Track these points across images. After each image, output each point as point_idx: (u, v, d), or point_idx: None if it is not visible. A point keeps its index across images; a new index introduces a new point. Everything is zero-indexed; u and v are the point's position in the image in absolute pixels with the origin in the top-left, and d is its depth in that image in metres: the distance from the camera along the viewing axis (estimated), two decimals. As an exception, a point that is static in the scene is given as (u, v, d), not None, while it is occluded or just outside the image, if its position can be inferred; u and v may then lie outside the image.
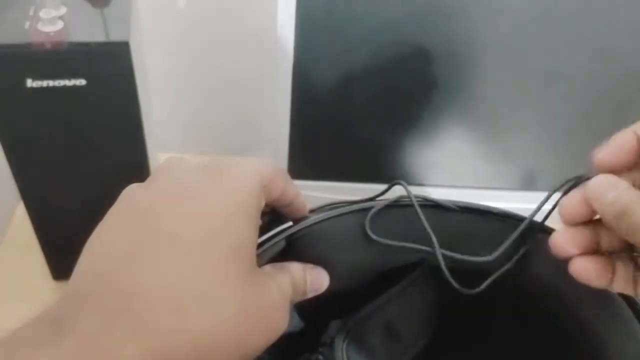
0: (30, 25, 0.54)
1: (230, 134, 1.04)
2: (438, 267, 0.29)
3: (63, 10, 0.56)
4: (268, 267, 0.27)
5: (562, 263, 0.28)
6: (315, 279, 0.28)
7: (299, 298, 0.27)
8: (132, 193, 0.28)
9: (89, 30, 0.55)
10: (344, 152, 0.66)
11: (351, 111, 0.64)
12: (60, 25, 0.54)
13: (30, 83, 0.53)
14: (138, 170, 0.64)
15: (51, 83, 0.54)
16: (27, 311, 0.78)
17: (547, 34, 0.57)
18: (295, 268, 0.27)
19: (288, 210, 0.29)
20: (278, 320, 0.24)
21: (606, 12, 0.55)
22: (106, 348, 0.19)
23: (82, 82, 0.54)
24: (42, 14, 0.54)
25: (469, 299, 0.30)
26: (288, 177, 0.28)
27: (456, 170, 0.69)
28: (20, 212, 0.80)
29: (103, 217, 0.28)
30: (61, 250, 0.71)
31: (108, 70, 0.55)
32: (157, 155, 0.77)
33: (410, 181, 0.68)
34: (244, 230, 0.23)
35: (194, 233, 0.22)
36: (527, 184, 0.68)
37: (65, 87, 0.54)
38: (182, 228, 0.23)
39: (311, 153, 0.66)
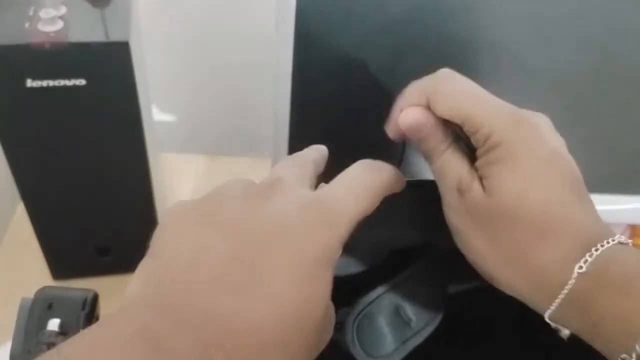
0: (30, 25, 0.54)
1: (230, 134, 1.04)
2: (447, 253, 0.29)
3: (63, 10, 0.56)
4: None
5: None
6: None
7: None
8: (221, 206, 0.25)
9: (89, 30, 0.55)
10: (344, 153, 0.66)
11: (351, 111, 0.64)
12: (60, 25, 0.54)
13: (30, 83, 0.53)
14: (138, 170, 0.64)
15: (51, 83, 0.54)
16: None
17: (547, 34, 0.57)
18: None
19: None
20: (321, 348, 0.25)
21: (606, 12, 0.55)
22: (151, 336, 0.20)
23: (82, 82, 0.54)
24: (42, 14, 0.54)
25: (478, 288, 0.31)
26: (381, 189, 0.29)
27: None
28: (20, 212, 0.80)
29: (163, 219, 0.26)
30: (61, 250, 0.71)
31: (108, 70, 0.55)
32: (157, 155, 0.77)
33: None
34: (324, 280, 0.23)
35: (284, 274, 0.22)
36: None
37: (65, 87, 0.54)
38: (273, 264, 0.22)
39: (311, 153, 0.66)
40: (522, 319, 0.34)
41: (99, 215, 0.68)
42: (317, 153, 0.31)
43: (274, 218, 0.24)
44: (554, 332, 0.32)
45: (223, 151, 0.96)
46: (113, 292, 0.82)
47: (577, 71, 0.59)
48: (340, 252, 0.25)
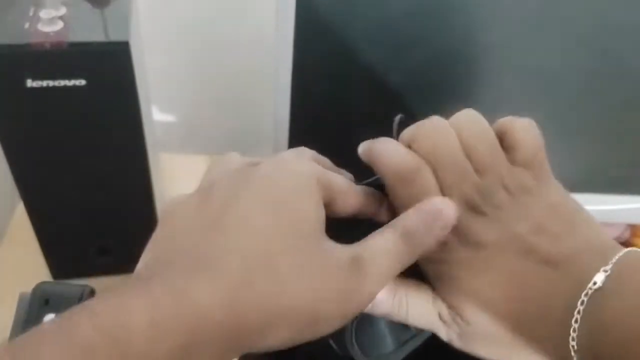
0: (30, 26, 0.54)
1: (230, 134, 1.04)
2: None
3: (63, 10, 0.56)
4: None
5: None
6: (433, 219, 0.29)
7: (427, 244, 0.27)
8: (212, 181, 0.28)
9: (89, 30, 0.55)
10: (344, 152, 0.66)
11: (351, 111, 0.64)
12: (60, 25, 0.54)
13: (30, 83, 0.53)
14: (138, 170, 0.64)
15: (51, 83, 0.54)
16: (27, 311, 0.76)
17: (547, 34, 0.57)
18: (409, 219, 0.27)
19: None
20: (353, 292, 0.25)
21: (607, 12, 0.55)
22: (188, 297, 0.22)
23: (82, 82, 0.54)
24: (42, 14, 0.54)
25: None
26: (366, 198, 0.30)
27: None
28: (20, 212, 0.80)
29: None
30: (61, 250, 0.71)
31: (108, 70, 0.55)
32: (157, 155, 0.77)
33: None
34: (303, 205, 0.26)
35: (259, 208, 0.25)
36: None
37: (65, 87, 0.54)
38: (251, 205, 0.25)
39: (311, 153, 0.66)
40: None
41: (99, 215, 0.68)
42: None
43: (257, 175, 0.27)
44: None
45: (223, 151, 0.96)
46: (113, 292, 0.81)
47: (576, 71, 0.59)
48: (321, 199, 0.27)
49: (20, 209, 0.80)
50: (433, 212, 0.27)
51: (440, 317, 0.29)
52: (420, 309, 0.29)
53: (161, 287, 0.22)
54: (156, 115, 0.99)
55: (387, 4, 0.55)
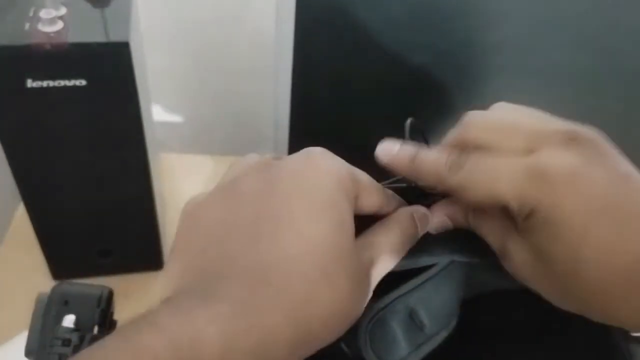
0: (30, 26, 0.54)
1: (230, 134, 1.04)
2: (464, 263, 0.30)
3: (63, 11, 0.56)
4: (372, 229, 0.27)
5: None
6: (423, 221, 0.29)
7: (410, 243, 0.28)
8: (238, 182, 0.27)
9: (89, 30, 0.55)
10: (344, 152, 0.66)
11: (351, 111, 0.64)
12: (60, 25, 0.54)
13: (30, 83, 0.53)
14: (138, 170, 0.64)
15: (51, 83, 0.54)
16: (27, 311, 0.78)
17: (548, 34, 0.57)
18: (403, 216, 0.28)
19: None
20: (369, 290, 0.26)
21: (607, 12, 0.55)
22: (256, 313, 0.21)
23: (82, 82, 0.54)
24: (42, 14, 0.54)
25: (494, 295, 0.30)
26: (388, 197, 0.29)
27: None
28: (20, 212, 0.80)
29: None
30: (61, 250, 0.71)
31: (108, 70, 0.55)
32: (157, 155, 0.77)
33: (410, 181, 0.68)
34: (343, 205, 0.25)
35: (306, 209, 0.24)
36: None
37: (65, 87, 0.54)
38: (295, 207, 0.24)
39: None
40: (541, 323, 0.34)
41: (99, 215, 0.68)
42: None
43: (285, 172, 0.25)
44: (572, 337, 0.32)
45: (224, 151, 0.96)
46: (113, 292, 0.81)
47: (577, 71, 0.59)
48: (351, 198, 0.26)
49: (21, 210, 0.80)
50: (425, 219, 0.29)
51: (499, 251, 0.27)
52: (483, 229, 0.29)
53: (227, 304, 0.21)
54: (157, 116, 1.00)
55: (387, 5, 0.55)
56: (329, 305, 0.23)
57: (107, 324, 0.32)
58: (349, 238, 0.24)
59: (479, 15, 0.56)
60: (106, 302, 0.32)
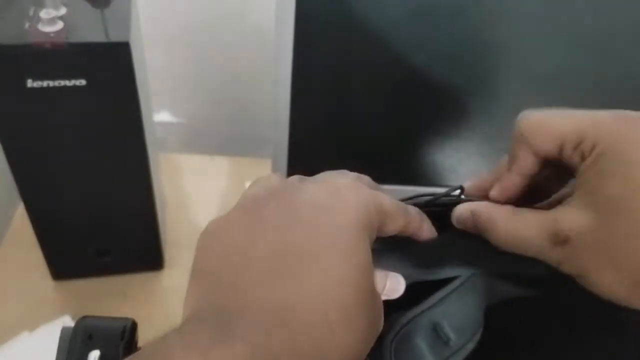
0: (30, 26, 0.54)
1: (230, 134, 1.04)
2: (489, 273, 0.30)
3: (63, 10, 0.56)
4: None
5: None
6: (392, 286, 0.28)
7: None
8: (259, 206, 0.26)
9: (89, 30, 0.55)
10: (344, 153, 0.66)
11: (351, 111, 0.64)
12: (60, 25, 0.54)
13: (30, 83, 0.53)
14: (138, 170, 0.64)
15: (51, 83, 0.54)
16: (27, 311, 0.78)
17: (548, 34, 0.57)
18: (378, 275, 0.27)
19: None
20: (382, 321, 0.26)
21: (609, 13, 0.55)
22: (272, 354, 0.21)
23: (82, 82, 0.54)
24: (42, 14, 0.54)
25: (520, 306, 0.30)
26: (412, 217, 0.29)
27: (457, 170, 0.69)
28: (20, 212, 0.80)
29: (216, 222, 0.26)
30: (61, 250, 0.71)
31: (108, 70, 0.55)
32: (157, 155, 0.77)
33: (410, 181, 0.68)
34: (367, 245, 0.24)
35: (331, 247, 0.23)
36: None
37: (65, 87, 0.54)
38: (318, 242, 0.23)
39: (311, 153, 0.66)
40: (565, 328, 0.34)
41: (99, 215, 0.68)
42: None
43: (309, 202, 0.25)
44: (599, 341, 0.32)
45: (223, 151, 0.96)
46: (113, 292, 0.81)
47: (578, 71, 0.59)
48: (374, 233, 0.26)
49: (21, 210, 0.80)
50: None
51: (552, 235, 0.25)
52: (525, 223, 0.27)
53: (243, 346, 0.21)
54: (156, 116, 1.00)
55: (388, 5, 0.55)
56: (347, 348, 0.23)
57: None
58: (370, 278, 0.24)
59: (480, 16, 0.56)
60: (130, 334, 0.32)
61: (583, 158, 0.26)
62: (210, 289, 0.24)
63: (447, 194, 0.33)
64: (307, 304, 0.22)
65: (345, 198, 0.25)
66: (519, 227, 0.27)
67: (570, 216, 0.25)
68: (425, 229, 0.30)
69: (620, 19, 0.56)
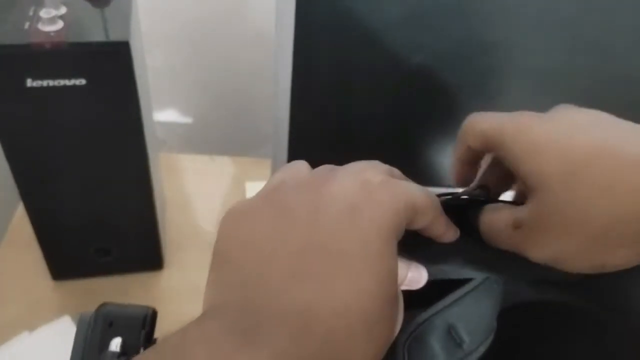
0: (30, 25, 0.54)
1: (230, 134, 1.04)
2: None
3: (63, 10, 0.56)
4: None
5: None
6: (415, 278, 0.28)
7: None
8: (286, 196, 0.24)
9: (89, 30, 0.55)
10: (344, 152, 0.66)
11: (351, 111, 0.64)
12: (60, 25, 0.54)
13: (30, 83, 0.53)
14: (138, 170, 0.64)
15: (51, 83, 0.54)
16: (27, 311, 0.78)
17: (547, 35, 0.57)
18: (401, 264, 0.27)
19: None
20: (398, 328, 0.25)
21: (607, 13, 0.55)
22: None
23: (82, 82, 0.54)
24: (42, 13, 0.54)
25: (535, 307, 0.30)
26: (439, 214, 0.28)
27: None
28: (20, 212, 0.80)
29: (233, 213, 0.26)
30: (61, 250, 0.71)
31: (108, 70, 0.55)
32: (157, 155, 0.77)
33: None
34: (394, 252, 0.24)
35: (360, 252, 0.22)
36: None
37: (65, 87, 0.54)
38: (347, 245, 0.22)
39: (311, 153, 0.66)
40: (574, 330, 0.34)
41: (99, 215, 0.68)
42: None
43: (339, 198, 0.24)
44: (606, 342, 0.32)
45: (223, 151, 0.96)
46: (113, 292, 0.81)
47: (577, 71, 0.59)
48: (402, 232, 0.25)
49: (21, 210, 0.80)
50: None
51: (514, 221, 0.28)
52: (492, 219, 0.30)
53: (267, 351, 0.21)
54: (156, 116, 1.00)
55: (388, 5, 0.55)
56: (366, 357, 0.22)
57: (151, 345, 0.32)
58: (394, 286, 0.24)
59: (480, 16, 0.56)
60: (150, 323, 0.32)
61: (502, 157, 0.28)
62: (233, 280, 0.23)
63: (467, 193, 0.33)
64: (331, 310, 0.21)
65: (378, 198, 0.24)
66: (494, 219, 0.29)
67: (523, 207, 0.27)
68: (450, 231, 0.30)
69: (621, 19, 0.56)
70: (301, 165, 0.27)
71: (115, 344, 0.30)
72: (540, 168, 0.25)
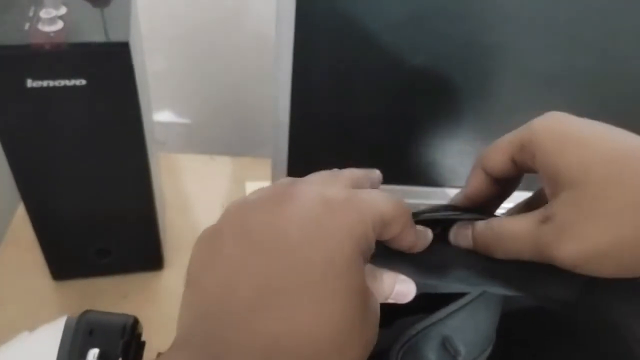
0: (30, 26, 0.54)
1: (230, 134, 1.04)
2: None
3: (63, 10, 0.56)
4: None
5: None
6: (402, 291, 0.28)
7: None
8: (247, 217, 0.24)
9: (89, 30, 0.55)
10: (344, 153, 0.66)
11: (351, 111, 0.64)
12: (60, 25, 0.54)
13: (30, 83, 0.53)
14: (138, 170, 0.64)
15: (51, 83, 0.54)
16: (27, 311, 0.78)
17: (548, 35, 0.57)
18: (388, 278, 0.27)
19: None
20: (374, 341, 0.25)
21: (606, 13, 0.55)
22: None
23: (82, 82, 0.54)
24: (42, 14, 0.54)
25: (531, 320, 0.30)
26: (409, 223, 0.27)
27: (457, 171, 0.69)
28: (20, 212, 0.80)
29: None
30: (61, 250, 0.71)
31: (108, 70, 0.55)
32: (157, 155, 0.77)
33: (410, 181, 0.68)
34: (360, 270, 0.23)
35: (322, 276, 0.22)
36: (531, 184, 0.68)
37: (65, 87, 0.54)
38: (309, 269, 0.22)
39: (311, 153, 0.66)
40: (574, 335, 0.34)
41: (99, 216, 0.68)
42: (361, 171, 0.30)
43: (299, 219, 0.23)
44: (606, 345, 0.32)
45: (223, 151, 0.96)
46: (113, 292, 0.81)
47: (577, 73, 0.59)
48: (373, 247, 0.25)
49: (21, 210, 0.80)
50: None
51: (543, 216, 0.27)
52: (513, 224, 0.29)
53: None
54: (156, 116, 1.00)
55: (387, 7, 0.55)
56: None
57: (131, 353, 0.32)
58: (364, 300, 0.23)
59: (480, 17, 0.56)
60: (130, 332, 0.32)
61: (533, 157, 0.29)
62: (199, 308, 0.23)
63: (446, 210, 0.33)
64: (297, 341, 0.21)
65: (338, 219, 0.23)
66: (512, 222, 0.29)
67: (549, 204, 0.28)
68: (420, 241, 0.29)
69: (621, 19, 0.56)
70: (264, 188, 0.26)
71: (93, 354, 0.30)
72: (579, 159, 0.26)
